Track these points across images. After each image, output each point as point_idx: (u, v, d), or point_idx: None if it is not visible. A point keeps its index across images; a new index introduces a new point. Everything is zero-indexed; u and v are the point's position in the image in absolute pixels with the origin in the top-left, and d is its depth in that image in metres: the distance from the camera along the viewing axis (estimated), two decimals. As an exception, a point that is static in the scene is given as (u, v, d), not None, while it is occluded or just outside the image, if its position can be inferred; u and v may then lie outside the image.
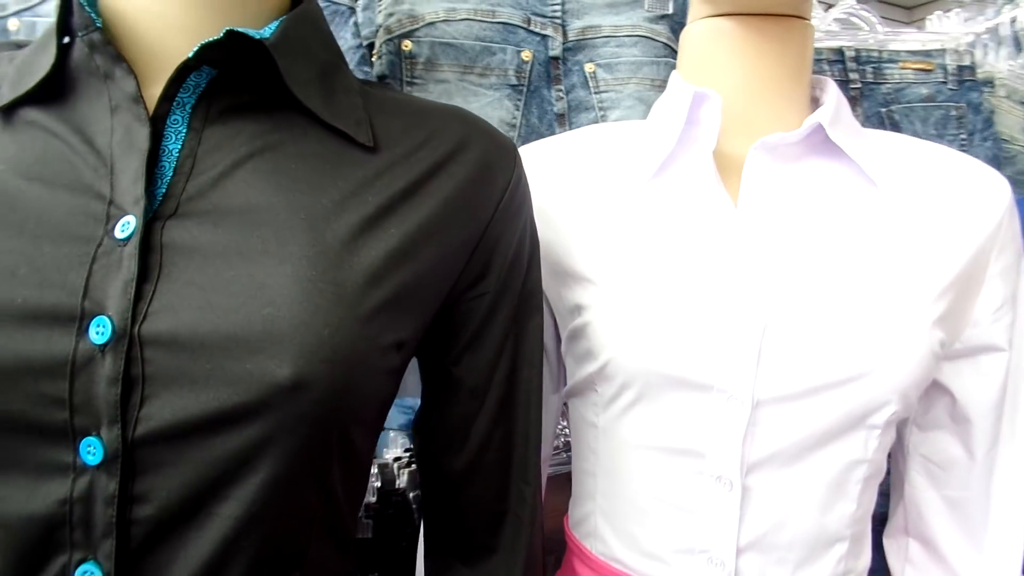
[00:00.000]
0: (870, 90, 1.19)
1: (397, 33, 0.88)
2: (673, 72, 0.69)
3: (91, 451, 0.38)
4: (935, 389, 0.65)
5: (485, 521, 0.57)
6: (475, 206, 0.51)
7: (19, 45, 0.51)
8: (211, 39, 0.42)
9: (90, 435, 0.38)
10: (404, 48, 0.88)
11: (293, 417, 0.39)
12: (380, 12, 0.88)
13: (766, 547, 0.57)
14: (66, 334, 0.38)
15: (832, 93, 0.63)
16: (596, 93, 0.94)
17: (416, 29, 0.89)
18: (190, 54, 0.43)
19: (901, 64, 1.20)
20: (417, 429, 0.59)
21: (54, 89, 0.45)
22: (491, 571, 0.57)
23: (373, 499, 0.84)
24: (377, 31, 0.87)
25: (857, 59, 1.19)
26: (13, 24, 0.89)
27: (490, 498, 0.57)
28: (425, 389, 0.58)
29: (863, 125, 1.16)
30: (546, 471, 0.79)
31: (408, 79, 0.88)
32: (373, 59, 0.87)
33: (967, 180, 0.61)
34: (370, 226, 0.45)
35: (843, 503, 0.57)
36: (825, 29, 1.21)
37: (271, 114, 0.47)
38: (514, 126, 0.92)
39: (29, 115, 0.44)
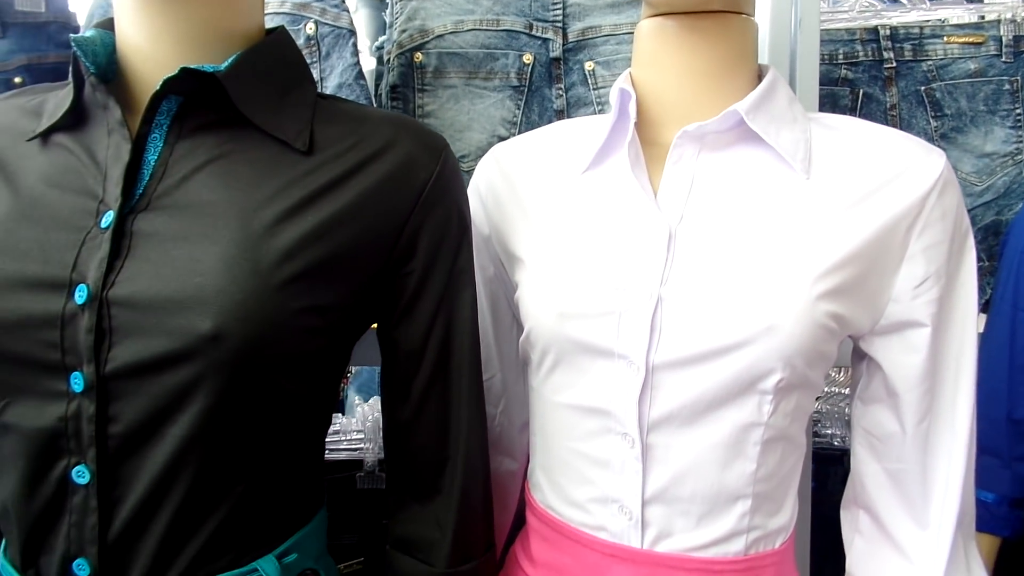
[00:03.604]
0: (908, 69, 1.16)
1: (409, 47, 0.99)
2: (627, 69, 0.75)
3: (77, 382, 0.52)
4: (872, 363, 0.68)
5: (429, 466, 0.67)
6: (396, 198, 0.61)
7: (66, 85, 0.67)
8: (170, 75, 0.56)
9: (76, 370, 0.52)
10: (416, 60, 0.99)
11: (217, 362, 0.52)
12: (395, 29, 1.00)
13: (669, 499, 0.62)
14: (59, 297, 0.52)
15: (764, 82, 0.66)
16: (595, 89, 1.01)
17: (427, 42, 1.00)
18: (157, 86, 0.56)
19: (946, 39, 1.16)
20: (381, 386, 0.71)
21: (75, 118, 0.60)
22: (435, 509, 0.67)
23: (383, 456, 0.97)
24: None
25: (893, 37, 1.16)
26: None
27: (432, 446, 0.67)
28: (381, 352, 0.69)
29: (898, 106, 1.15)
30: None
31: (419, 87, 1.00)
32: (387, 70, 0.99)
33: (894, 159, 0.63)
34: (290, 215, 0.56)
35: (742, 463, 0.61)
36: (861, 8, 1.19)
37: (229, 128, 0.59)
38: (515, 123, 1.01)
39: (58, 138, 0.60)
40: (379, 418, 1.01)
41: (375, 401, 1.13)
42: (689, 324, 0.60)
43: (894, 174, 0.62)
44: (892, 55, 1.15)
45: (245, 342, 0.52)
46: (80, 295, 0.52)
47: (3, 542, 0.61)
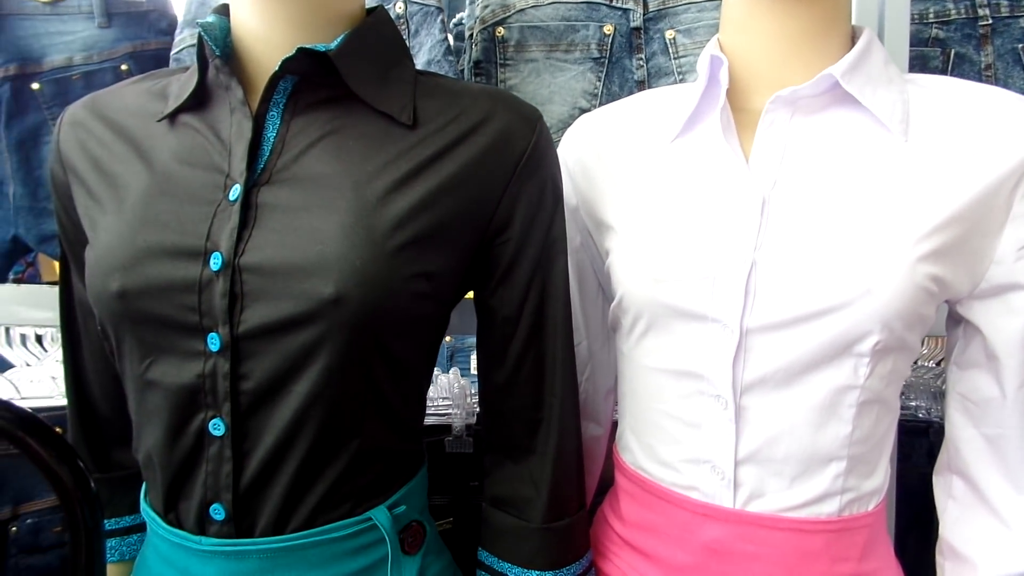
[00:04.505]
0: (1005, 25, 1.11)
1: (491, 22, 1.01)
2: (714, 36, 0.75)
3: (213, 342, 0.57)
4: (970, 328, 0.67)
5: (524, 426, 0.70)
6: (495, 168, 0.64)
7: (187, 69, 0.72)
8: (287, 56, 0.59)
9: (212, 331, 0.57)
10: (498, 34, 1.01)
11: (338, 323, 0.56)
12: (478, 5, 1.02)
13: (762, 460, 0.64)
14: (196, 264, 0.57)
15: (859, 44, 0.66)
16: (675, 59, 1.01)
17: (508, 16, 1.01)
18: (276, 67, 0.60)
19: (1047, -8, 1.10)
20: (477, 350, 0.74)
21: (199, 99, 0.65)
22: (530, 467, 0.70)
23: (473, 420, 1.01)
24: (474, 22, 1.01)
25: (989, -7, 1.11)
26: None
27: (527, 407, 0.70)
28: (477, 318, 0.72)
29: (993, 66, 1.10)
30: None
31: (501, 61, 1.02)
32: (468, 46, 1.01)
33: (995, 119, 0.62)
34: (400, 185, 0.60)
35: (836, 425, 0.62)
36: (955, -37, 1.14)
37: (340, 105, 0.63)
38: (596, 95, 1.02)
39: (184, 119, 0.64)
40: (465, 385, 1.05)
41: (454, 373, 1.18)
42: (784, 288, 0.61)
43: (996, 133, 0.61)
44: (987, 11, 1.11)
45: (363, 305, 0.56)
46: (215, 262, 0.57)
47: (144, 488, 0.68)
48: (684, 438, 0.67)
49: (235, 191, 0.59)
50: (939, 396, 1.20)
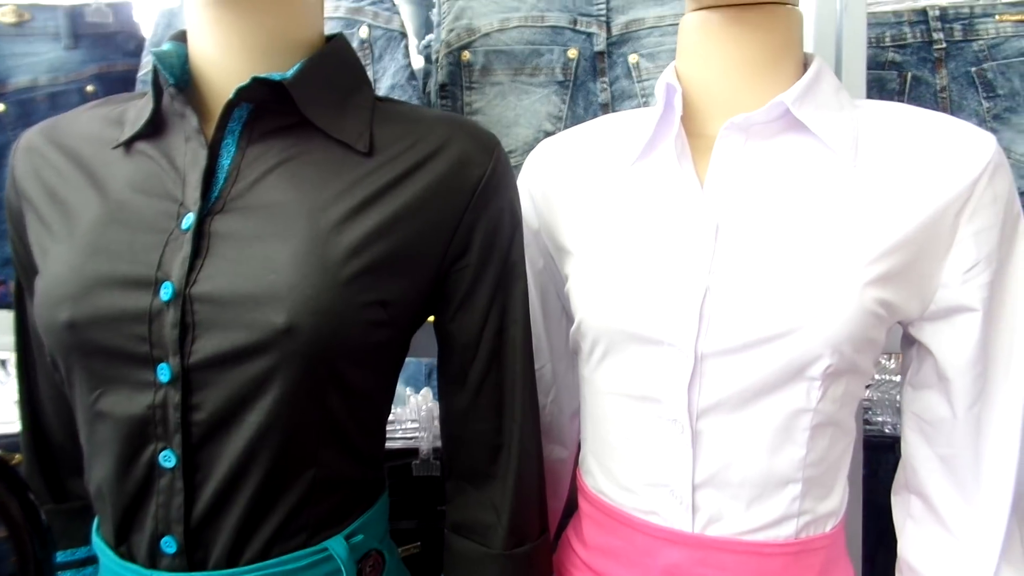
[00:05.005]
0: (958, 49, 1.14)
1: (456, 46, 1.02)
2: (672, 63, 0.76)
3: (163, 373, 0.57)
4: (922, 349, 0.68)
5: (485, 452, 0.70)
6: (452, 195, 0.64)
7: (145, 95, 0.72)
8: (242, 84, 0.59)
9: (163, 362, 0.57)
10: (463, 58, 1.02)
11: (290, 353, 0.55)
12: (443, 29, 1.03)
13: (719, 484, 0.64)
14: (146, 294, 0.57)
15: (810, 72, 0.67)
16: (639, 82, 1.02)
17: (473, 40, 1.02)
18: (230, 95, 0.60)
19: (998, 17, 1.13)
20: (438, 376, 0.74)
21: (154, 127, 0.64)
22: (491, 493, 0.70)
23: (438, 444, 1.00)
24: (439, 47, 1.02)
25: (943, 18, 1.14)
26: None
27: (487, 432, 0.70)
28: (438, 344, 0.72)
29: (948, 88, 1.13)
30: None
31: (467, 84, 1.02)
32: (435, 69, 1.02)
33: (942, 144, 0.63)
34: (355, 213, 0.60)
35: (791, 448, 0.63)
36: (910, -11, 1.17)
37: (296, 132, 0.63)
38: (560, 118, 1.02)
39: (140, 146, 0.64)
40: (432, 408, 1.04)
41: (426, 392, 1.17)
42: (737, 312, 0.61)
43: (943, 159, 0.62)
44: (942, 36, 1.14)
45: (316, 334, 0.56)
46: (165, 292, 0.56)
47: (96, 521, 0.66)
48: (643, 462, 0.67)
49: (188, 220, 0.59)
50: (905, 412, 1.22)
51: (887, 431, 1.33)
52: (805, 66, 0.71)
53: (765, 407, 0.62)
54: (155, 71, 0.63)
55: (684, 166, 0.67)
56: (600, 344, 0.68)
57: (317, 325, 0.56)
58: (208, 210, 0.60)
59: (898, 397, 1.28)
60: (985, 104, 1.12)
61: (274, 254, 0.57)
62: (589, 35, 1.03)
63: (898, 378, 1.38)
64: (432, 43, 1.06)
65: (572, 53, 1.02)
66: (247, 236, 0.58)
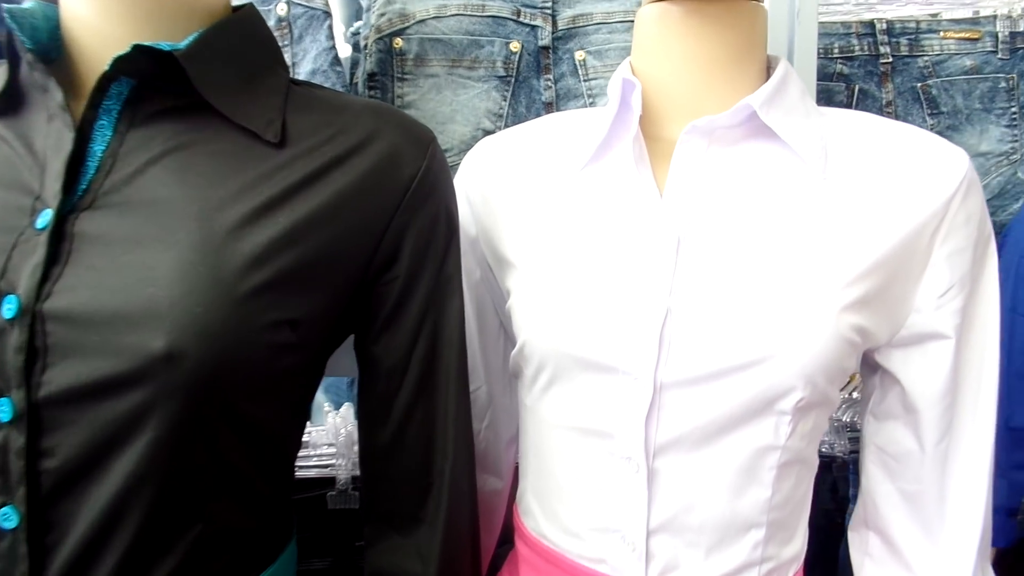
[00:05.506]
0: (904, 64, 1.12)
1: (387, 31, 0.92)
2: (627, 58, 0.69)
3: (4, 410, 0.45)
4: (888, 377, 0.63)
5: (411, 493, 0.61)
6: (379, 196, 0.55)
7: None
8: (121, 53, 0.48)
9: (3, 396, 0.45)
10: (395, 46, 0.92)
11: (170, 385, 0.45)
12: (373, 12, 0.93)
13: (677, 529, 0.57)
14: None
15: (776, 74, 0.61)
16: (585, 81, 0.95)
17: (407, 27, 0.93)
18: (106, 66, 0.49)
19: (942, 34, 1.12)
20: (358, 405, 0.64)
21: (10, 103, 0.52)
22: (418, 539, 0.61)
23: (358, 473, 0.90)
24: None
25: (890, 32, 1.12)
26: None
27: (415, 471, 0.61)
28: (359, 368, 0.62)
29: (893, 102, 1.11)
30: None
31: (399, 75, 0.93)
32: (364, 56, 0.92)
33: (916, 159, 0.58)
34: (258, 215, 0.49)
35: (756, 489, 0.57)
36: (857, 1, 1.15)
37: (190, 116, 0.52)
38: (501, 116, 0.94)
39: None
40: (352, 431, 0.94)
41: (347, 410, 1.06)
42: (701, 339, 0.55)
43: (917, 175, 0.57)
44: (888, 49, 1.12)
45: (204, 362, 0.45)
46: (8, 308, 0.45)
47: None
48: (591, 504, 0.60)
49: (44, 217, 0.47)
50: (842, 430, 1.19)
51: (823, 450, 1.31)
52: (769, 70, 0.65)
53: (729, 444, 0.56)
54: (9, 35, 0.51)
55: (642, 172, 0.60)
56: (546, 370, 0.60)
57: (205, 350, 0.45)
58: (72, 206, 0.48)
59: (837, 414, 1.26)
60: (929, 121, 1.11)
61: (154, 262, 0.46)
62: (533, 28, 0.95)
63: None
64: (361, 29, 0.96)
65: (515, 46, 0.94)
66: (121, 240, 0.47)
